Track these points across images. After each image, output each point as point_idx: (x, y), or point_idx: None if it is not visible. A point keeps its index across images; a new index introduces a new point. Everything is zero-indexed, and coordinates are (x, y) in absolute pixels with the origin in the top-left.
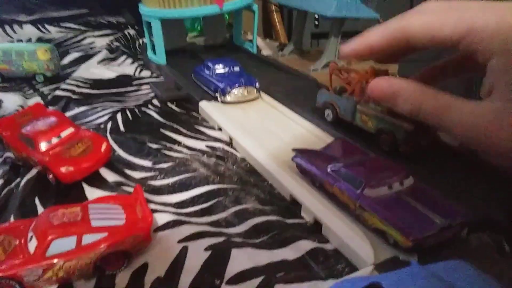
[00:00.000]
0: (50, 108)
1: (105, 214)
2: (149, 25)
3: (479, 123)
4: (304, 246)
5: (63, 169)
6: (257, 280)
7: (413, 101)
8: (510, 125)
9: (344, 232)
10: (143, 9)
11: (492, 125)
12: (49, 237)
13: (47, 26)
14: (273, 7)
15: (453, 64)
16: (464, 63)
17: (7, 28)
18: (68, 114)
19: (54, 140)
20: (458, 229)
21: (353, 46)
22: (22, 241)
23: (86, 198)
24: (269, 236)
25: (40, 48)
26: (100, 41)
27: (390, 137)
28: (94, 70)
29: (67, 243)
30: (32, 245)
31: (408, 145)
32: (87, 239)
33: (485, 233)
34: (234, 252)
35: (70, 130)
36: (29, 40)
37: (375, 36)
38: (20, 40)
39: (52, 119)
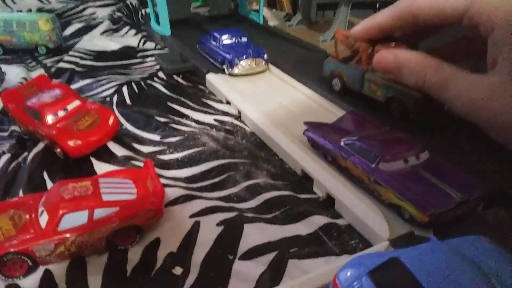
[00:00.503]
0: (54, 80)
1: (116, 188)
2: None
3: (479, 96)
4: (317, 221)
5: (70, 143)
6: (271, 256)
7: (417, 73)
8: (510, 98)
9: (357, 207)
10: None
11: (492, 99)
12: (61, 212)
13: None
14: None
15: (458, 46)
16: (469, 46)
17: None
18: (73, 86)
19: (61, 113)
20: (474, 204)
21: (363, 25)
22: (33, 216)
23: (95, 173)
24: (282, 211)
25: (41, 18)
26: (101, 11)
27: (401, 105)
28: (97, 41)
29: (78, 217)
30: (43, 219)
31: (419, 112)
32: (99, 213)
33: (500, 207)
34: (247, 227)
35: (76, 103)
36: (29, 11)
37: (384, 15)
38: (20, 11)
39: (58, 91)
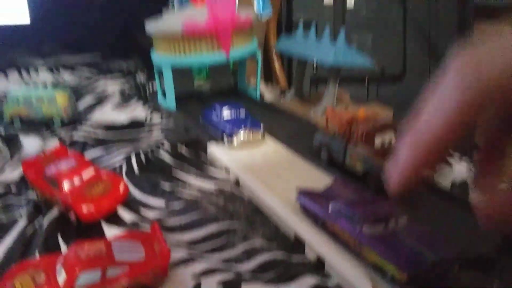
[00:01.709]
0: (69, 150)
1: (126, 249)
2: (160, 72)
3: None
4: (308, 281)
5: (84, 209)
6: None
7: None
8: None
9: (345, 269)
10: (155, 56)
11: None
12: (77, 270)
13: (61, 71)
14: (274, 55)
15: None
16: None
17: (24, 73)
18: (86, 156)
19: (76, 181)
20: (450, 265)
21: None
22: (51, 275)
23: (105, 236)
24: (276, 272)
25: (59, 94)
26: (112, 86)
27: (377, 179)
28: (108, 114)
29: (93, 275)
30: (61, 278)
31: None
32: (111, 272)
33: (476, 270)
34: (244, 287)
35: (90, 171)
36: (44, 85)
37: (436, 124)
38: (35, 85)
39: (73, 160)
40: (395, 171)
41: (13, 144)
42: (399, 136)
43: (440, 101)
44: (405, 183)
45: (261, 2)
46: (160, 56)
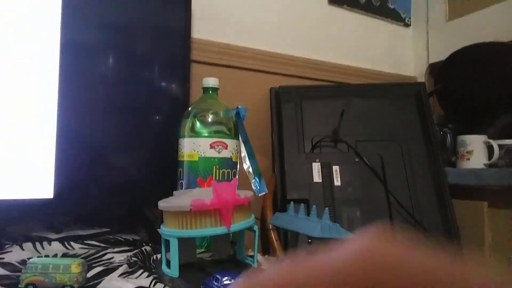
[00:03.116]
0: None
1: None
2: (166, 243)
3: None
4: None
5: None
6: None
7: None
8: None
9: None
10: (164, 229)
11: None
12: None
13: (72, 243)
14: (271, 226)
15: None
16: None
17: (37, 244)
18: None
19: None
20: None
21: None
22: None
23: None
24: None
25: (74, 263)
26: (118, 257)
27: None
28: (115, 282)
29: None
30: None
31: None
32: None
33: None
34: None
35: None
36: (55, 256)
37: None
38: (47, 256)
39: None
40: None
41: None
42: None
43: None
44: None
45: (257, 185)
46: (169, 230)
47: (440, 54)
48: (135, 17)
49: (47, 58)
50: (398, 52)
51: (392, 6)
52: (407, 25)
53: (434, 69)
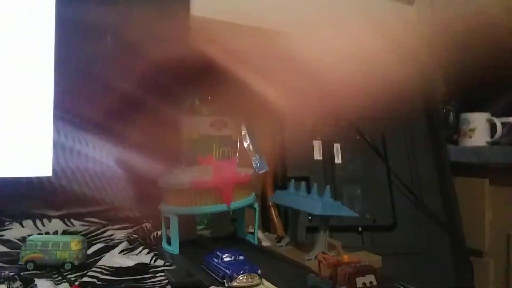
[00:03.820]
0: None
1: None
2: (166, 220)
3: None
4: None
5: None
6: None
7: None
8: None
9: None
10: (164, 206)
11: None
12: None
13: (72, 220)
14: (271, 204)
15: None
16: None
17: (38, 221)
18: None
19: None
20: None
21: None
22: None
23: None
24: None
25: (74, 240)
26: (119, 233)
27: None
28: (115, 259)
29: None
30: None
31: None
32: None
33: None
34: None
35: None
36: (55, 233)
37: None
38: (47, 233)
39: None
40: None
41: (29, 287)
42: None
43: None
44: None
45: (258, 163)
46: (169, 207)
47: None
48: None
49: (43, 38)
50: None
51: None
52: (410, 2)
53: None
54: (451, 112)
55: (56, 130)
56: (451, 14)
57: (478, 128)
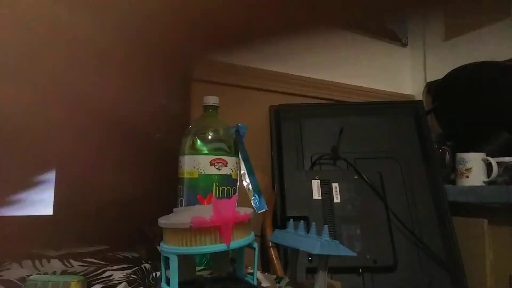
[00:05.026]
0: None
1: None
2: (165, 260)
3: None
4: None
5: None
6: None
7: None
8: None
9: None
10: (163, 246)
11: None
12: None
13: (71, 260)
14: (270, 244)
15: None
16: None
17: (36, 262)
18: None
19: None
20: None
21: None
22: None
23: None
24: None
25: (74, 280)
26: (118, 274)
27: None
28: None
29: None
30: None
31: None
32: None
33: None
34: None
35: None
36: (54, 273)
37: None
38: (46, 273)
39: None
40: None
41: None
42: None
43: None
44: None
45: (257, 202)
46: (169, 247)
47: (438, 72)
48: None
49: None
50: (395, 71)
51: (388, 27)
52: (404, 44)
53: (432, 88)
54: (447, 152)
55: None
56: None
57: (474, 168)
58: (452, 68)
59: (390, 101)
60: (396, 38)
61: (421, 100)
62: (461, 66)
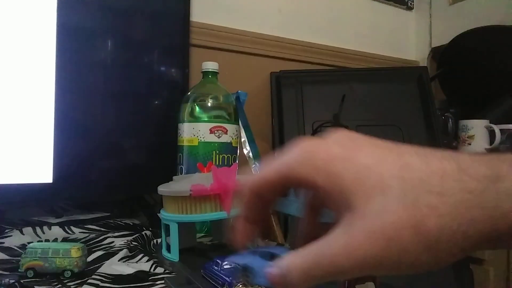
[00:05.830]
0: None
1: None
2: (166, 227)
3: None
4: None
5: None
6: None
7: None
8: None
9: None
10: (164, 214)
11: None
12: None
13: (72, 227)
14: (271, 212)
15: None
16: None
17: (37, 229)
18: None
19: None
20: None
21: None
22: None
23: None
24: None
25: (74, 247)
26: (119, 241)
27: None
28: (115, 266)
29: None
30: None
31: None
32: None
33: None
34: None
35: None
36: (55, 240)
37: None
38: (47, 240)
39: None
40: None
41: None
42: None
43: (277, 160)
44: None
45: (258, 170)
46: (169, 215)
47: (443, 38)
48: (134, 1)
49: (43, 43)
50: (400, 36)
51: None
52: (409, 8)
53: (437, 53)
54: (450, 119)
55: (57, 135)
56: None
57: (477, 135)
58: (458, 33)
59: (394, 67)
60: (402, 1)
61: (426, 66)
62: (467, 30)
